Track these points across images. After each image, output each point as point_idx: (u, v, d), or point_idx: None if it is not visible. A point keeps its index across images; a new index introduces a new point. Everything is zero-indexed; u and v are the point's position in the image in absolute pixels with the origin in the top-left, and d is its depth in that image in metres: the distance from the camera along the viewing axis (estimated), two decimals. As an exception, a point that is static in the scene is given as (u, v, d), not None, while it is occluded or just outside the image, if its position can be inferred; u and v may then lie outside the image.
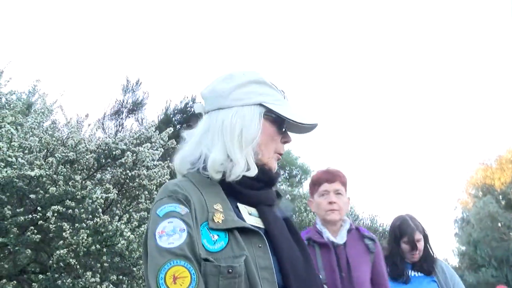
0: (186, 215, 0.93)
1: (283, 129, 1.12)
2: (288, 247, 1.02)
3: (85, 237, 3.88)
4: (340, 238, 2.08)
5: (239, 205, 1.03)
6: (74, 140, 4.31)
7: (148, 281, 0.91)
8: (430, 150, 40.17)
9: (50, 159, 4.30)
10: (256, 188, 1.06)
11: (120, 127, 8.48)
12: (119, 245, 4.07)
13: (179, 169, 1.10)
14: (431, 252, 2.66)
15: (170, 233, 0.90)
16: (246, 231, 0.96)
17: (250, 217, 1.02)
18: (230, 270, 0.88)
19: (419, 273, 2.58)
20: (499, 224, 22.05)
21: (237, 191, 1.03)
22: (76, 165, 4.21)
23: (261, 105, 1.08)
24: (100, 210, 4.16)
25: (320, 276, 1.67)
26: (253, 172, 1.03)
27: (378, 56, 39.42)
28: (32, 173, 3.95)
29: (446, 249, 24.60)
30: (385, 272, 2.13)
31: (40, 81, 6.46)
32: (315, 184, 2.14)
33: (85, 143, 4.26)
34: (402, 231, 2.61)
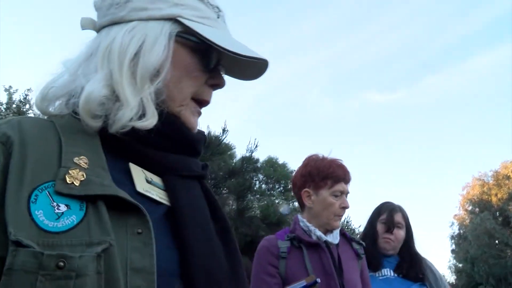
0: None
1: (211, 64, 0.74)
2: (205, 238, 0.67)
3: None
4: (334, 237, 1.81)
5: (131, 165, 0.67)
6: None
7: None
8: (423, 165, 39.77)
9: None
10: (162, 148, 0.71)
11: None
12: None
13: (41, 108, 0.71)
14: (415, 250, 2.21)
15: None
16: (119, 206, 0.59)
17: (147, 185, 0.67)
18: (61, 264, 0.51)
19: (400, 275, 2.12)
20: (496, 241, 21.70)
21: (127, 147, 0.68)
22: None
23: (176, 21, 0.72)
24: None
25: (318, 280, 1.40)
26: (150, 121, 0.66)
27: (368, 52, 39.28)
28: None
29: (442, 265, 24.08)
30: (370, 282, 1.86)
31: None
32: (327, 177, 1.80)
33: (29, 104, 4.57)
34: (381, 209, 2.27)
